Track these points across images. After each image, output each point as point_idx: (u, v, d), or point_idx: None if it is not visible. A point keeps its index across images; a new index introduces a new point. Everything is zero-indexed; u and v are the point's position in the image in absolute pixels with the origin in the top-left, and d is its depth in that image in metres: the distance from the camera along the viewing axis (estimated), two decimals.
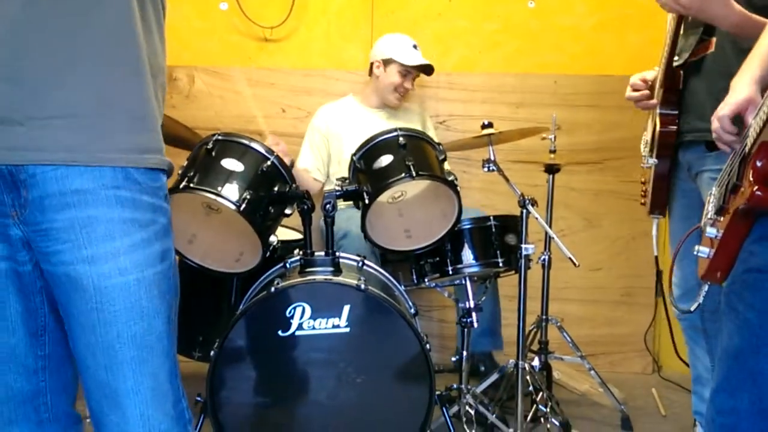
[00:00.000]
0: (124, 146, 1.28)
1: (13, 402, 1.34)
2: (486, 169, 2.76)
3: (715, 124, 1.55)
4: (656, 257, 2.51)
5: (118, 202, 1.26)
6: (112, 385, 1.28)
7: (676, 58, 2.25)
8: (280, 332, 2.35)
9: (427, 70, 3.41)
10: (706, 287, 1.59)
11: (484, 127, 2.74)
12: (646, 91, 2.33)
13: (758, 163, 1.41)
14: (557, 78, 3.75)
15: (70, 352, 1.38)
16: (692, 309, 1.65)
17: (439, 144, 2.77)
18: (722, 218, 1.52)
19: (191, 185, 2.28)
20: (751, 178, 1.42)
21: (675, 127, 2.25)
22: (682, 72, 2.25)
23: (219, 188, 2.35)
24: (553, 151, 3.00)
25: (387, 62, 3.41)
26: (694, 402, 2.54)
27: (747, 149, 1.46)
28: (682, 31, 2.29)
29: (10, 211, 1.26)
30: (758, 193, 1.40)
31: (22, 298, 1.32)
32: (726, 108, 1.54)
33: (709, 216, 1.59)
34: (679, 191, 2.39)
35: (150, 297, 1.30)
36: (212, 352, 2.28)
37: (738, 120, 1.52)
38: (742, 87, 1.55)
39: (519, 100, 3.75)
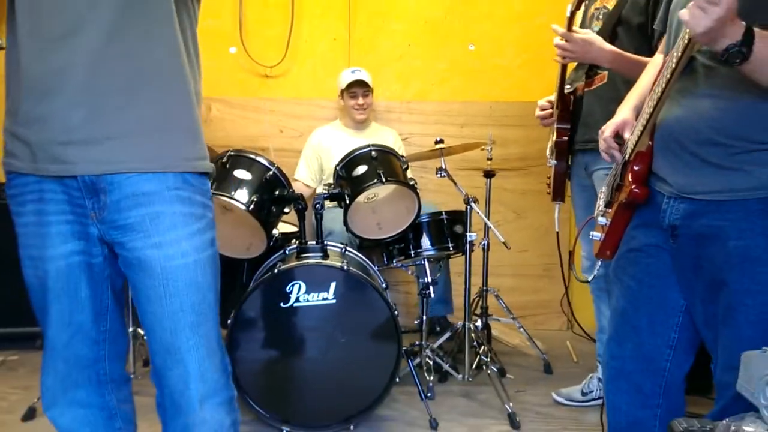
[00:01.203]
0: (183, 155, 1.28)
1: (79, 366, 1.33)
2: (438, 175, 2.77)
3: (601, 141, 1.56)
4: (557, 233, 2.56)
5: (179, 200, 1.26)
6: (176, 344, 1.27)
7: (567, 86, 2.30)
8: (281, 304, 2.34)
9: (361, 83, 3.34)
10: (599, 263, 1.60)
11: (436, 143, 2.75)
12: (550, 110, 2.38)
13: (635, 168, 1.43)
14: (492, 104, 3.76)
15: (125, 327, 1.39)
16: (589, 279, 1.67)
17: (402, 156, 2.78)
18: (610, 210, 1.53)
19: (211, 191, 2.26)
20: (630, 179, 1.44)
21: (567, 137, 2.31)
22: (572, 97, 2.30)
23: (232, 193, 2.35)
24: (490, 160, 3.00)
25: (342, 93, 3.40)
26: (598, 347, 2.59)
27: (627, 157, 1.47)
28: (574, 66, 2.38)
29: (90, 213, 1.25)
30: (635, 190, 1.42)
31: (91, 284, 1.30)
32: (608, 129, 1.54)
33: (600, 209, 1.60)
34: (579, 186, 2.45)
35: (204, 274, 1.29)
36: (229, 321, 2.27)
37: (619, 136, 1.53)
38: (623, 112, 1.56)
39: (463, 121, 3.76)
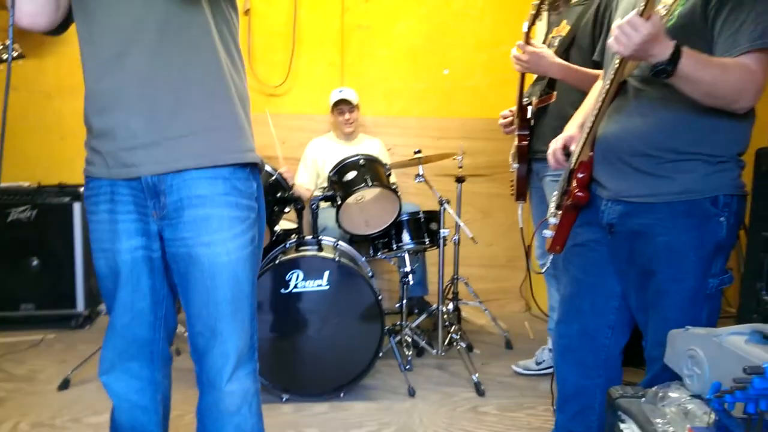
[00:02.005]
0: (230, 149, 1.26)
1: (137, 344, 1.33)
2: (417, 180, 2.76)
3: (551, 152, 1.57)
4: (521, 229, 2.56)
5: (227, 205, 1.25)
6: (219, 328, 1.27)
7: (525, 99, 2.31)
8: (282, 290, 2.34)
9: (345, 101, 3.31)
10: (550, 256, 1.61)
11: (416, 153, 2.74)
12: (511, 118, 2.38)
13: (579, 175, 1.45)
14: (464, 120, 3.76)
15: (176, 314, 1.39)
16: (543, 270, 1.68)
17: (387, 164, 2.77)
18: (559, 212, 1.54)
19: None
20: (575, 185, 1.45)
21: (527, 142, 2.31)
22: (529, 108, 2.31)
23: None
24: (461, 168, 3.01)
25: (332, 109, 3.38)
26: (549, 322, 2.60)
27: (572, 166, 1.48)
28: (534, 81, 2.38)
29: (151, 212, 1.25)
30: (579, 194, 1.44)
31: (151, 276, 1.30)
32: (558, 142, 1.55)
33: (551, 210, 1.61)
34: (535, 189, 2.46)
35: (244, 270, 1.28)
36: None
37: (566, 149, 1.54)
38: (570, 128, 1.57)
39: (439, 135, 3.76)
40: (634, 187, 1.34)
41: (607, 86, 1.28)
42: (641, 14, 1.11)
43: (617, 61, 1.24)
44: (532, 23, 2.02)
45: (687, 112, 1.25)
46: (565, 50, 2.16)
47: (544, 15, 2.34)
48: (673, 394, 1.10)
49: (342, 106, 3.34)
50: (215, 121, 1.24)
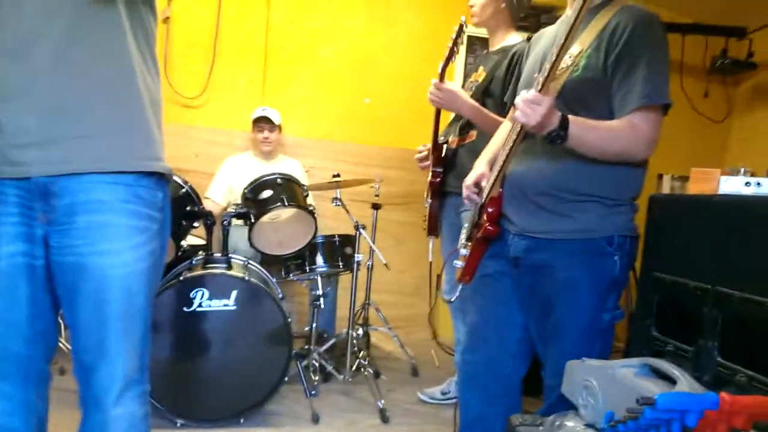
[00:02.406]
0: (137, 155, 1.17)
1: (10, 362, 1.18)
2: (334, 204, 2.76)
3: (464, 188, 1.61)
4: (431, 263, 2.60)
5: (126, 213, 1.15)
6: (107, 345, 1.16)
7: (442, 137, 2.36)
8: (185, 308, 2.22)
9: (266, 120, 3.27)
10: (460, 286, 1.64)
11: (334, 176, 2.74)
12: (426, 153, 2.41)
13: (489, 210, 1.50)
14: (383, 149, 3.81)
15: (55, 329, 1.26)
16: (452, 300, 1.71)
17: (304, 185, 2.74)
18: (470, 243, 1.58)
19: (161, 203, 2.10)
20: (485, 218, 1.50)
21: (439, 179, 2.35)
22: (445, 146, 2.36)
23: None
24: (377, 195, 3.04)
25: (252, 126, 3.31)
26: (455, 357, 2.64)
27: (483, 201, 1.53)
28: (452, 120, 2.43)
29: (38, 215, 1.13)
30: (489, 228, 1.48)
31: (31, 286, 1.17)
32: (470, 179, 1.59)
33: (462, 242, 1.64)
34: (448, 222, 2.50)
35: (140, 284, 1.19)
36: None
37: (478, 185, 1.58)
38: (479, 165, 1.61)
39: (357, 161, 3.78)
40: (537, 223, 1.41)
41: (518, 129, 1.35)
42: (539, 91, 1.20)
43: None
44: (447, 63, 2.08)
45: (586, 158, 1.34)
46: (480, 95, 2.25)
47: (463, 52, 2.42)
48: (569, 423, 1.14)
49: (262, 123, 3.28)
50: (121, 125, 1.16)
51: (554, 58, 1.17)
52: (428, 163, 2.41)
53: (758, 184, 1.27)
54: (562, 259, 1.37)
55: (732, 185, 1.30)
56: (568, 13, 1.47)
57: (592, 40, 1.35)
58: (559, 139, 1.25)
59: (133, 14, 1.18)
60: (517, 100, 1.24)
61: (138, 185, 1.18)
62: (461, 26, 2.03)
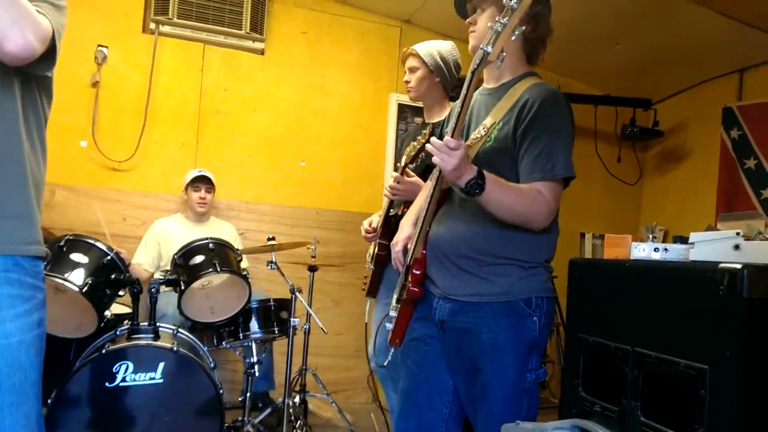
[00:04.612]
0: (13, 239, 1.14)
1: None
2: (269, 267, 2.71)
3: (393, 253, 1.63)
4: (366, 324, 2.56)
5: (7, 282, 1.12)
6: None
7: (391, 211, 2.37)
8: (107, 384, 2.08)
9: (205, 179, 3.25)
10: (392, 350, 1.63)
11: (269, 239, 2.72)
12: (373, 233, 2.40)
13: (414, 271, 1.52)
14: (318, 211, 3.82)
15: None
16: (385, 364, 1.69)
17: (237, 249, 2.69)
18: (399, 306, 1.58)
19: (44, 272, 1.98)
20: (410, 280, 1.52)
21: (384, 252, 2.34)
22: (393, 219, 2.37)
23: (66, 274, 2.10)
24: (314, 257, 3.02)
25: (187, 187, 3.26)
26: (392, 423, 2.57)
27: (409, 263, 1.55)
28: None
29: None
30: (414, 289, 1.51)
31: None
32: (399, 245, 1.62)
33: (393, 305, 1.65)
34: (386, 288, 2.49)
35: (28, 354, 1.13)
36: (49, 400, 1.96)
37: (405, 248, 1.60)
38: (405, 229, 1.65)
39: (293, 223, 3.77)
40: (460, 286, 1.45)
41: (433, 186, 1.40)
42: (452, 136, 1.27)
43: (438, 171, 1.37)
44: (413, 162, 2.08)
45: (500, 222, 1.40)
46: (424, 169, 2.28)
47: (394, 119, 2.48)
48: None
49: (199, 183, 3.24)
50: (3, 209, 1.15)
51: (459, 110, 1.26)
52: (375, 236, 2.39)
53: (666, 249, 1.36)
54: (486, 321, 1.41)
55: (642, 251, 1.38)
56: (486, 87, 1.58)
57: (504, 114, 1.45)
58: (478, 188, 1.29)
59: (28, 99, 1.19)
60: (431, 147, 1.29)
61: (18, 255, 1.16)
62: (433, 130, 2.08)
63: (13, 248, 1.15)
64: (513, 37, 1.24)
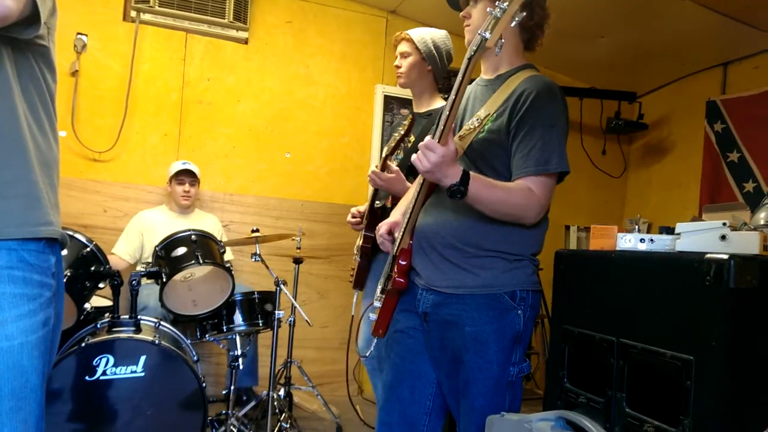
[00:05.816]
0: (18, 221, 1.08)
1: None
2: (253, 259, 2.67)
3: (378, 236, 1.61)
4: (352, 316, 2.55)
5: (11, 280, 1.05)
6: None
7: (377, 202, 2.35)
8: (87, 377, 2.05)
9: (189, 173, 3.19)
10: (375, 341, 1.61)
11: (253, 231, 2.68)
12: (359, 219, 2.39)
13: (400, 262, 1.50)
14: (303, 203, 3.79)
15: None
16: (367, 355, 1.67)
17: (220, 241, 2.65)
18: (383, 296, 1.56)
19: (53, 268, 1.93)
20: (396, 270, 1.50)
21: (369, 245, 2.32)
22: (379, 211, 2.35)
23: None
24: (299, 249, 2.99)
25: (171, 180, 3.22)
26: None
27: (395, 252, 1.53)
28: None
29: None
30: (399, 279, 1.48)
31: None
32: (383, 227, 1.60)
33: (377, 295, 1.63)
34: (374, 279, 2.47)
35: (31, 357, 1.07)
36: None
37: (391, 233, 1.58)
38: (394, 215, 1.64)
39: (278, 215, 3.73)
40: (444, 278, 1.43)
41: (420, 181, 1.38)
42: (438, 140, 1.25)
43: None
44: (392, 153, 2.09)
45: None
46: (408, 164, 2.26)
47: (380, 110, 2.46)
48: None
49: (183, 177, 3.19)
50: (4, 189, 1.08)
51: (448, 112, 1.23)
52: (361, 225, 2.37)
53: (651, 240, 1.35)
54: (469, 314, 1.39)
55: (628, 242, 1.37)
56: (483, 77, 1.55)
57: (499, 106, 1.42)
58: (459, 194, 1.28)
59: (23, 67, 1.12)
60: (420, 144, 1.27)
61: (23, 249, 1.09)
62: (412, 121, 2.05)
63: (17, 231, 1.07)
64: (513, 23, 1.20)
